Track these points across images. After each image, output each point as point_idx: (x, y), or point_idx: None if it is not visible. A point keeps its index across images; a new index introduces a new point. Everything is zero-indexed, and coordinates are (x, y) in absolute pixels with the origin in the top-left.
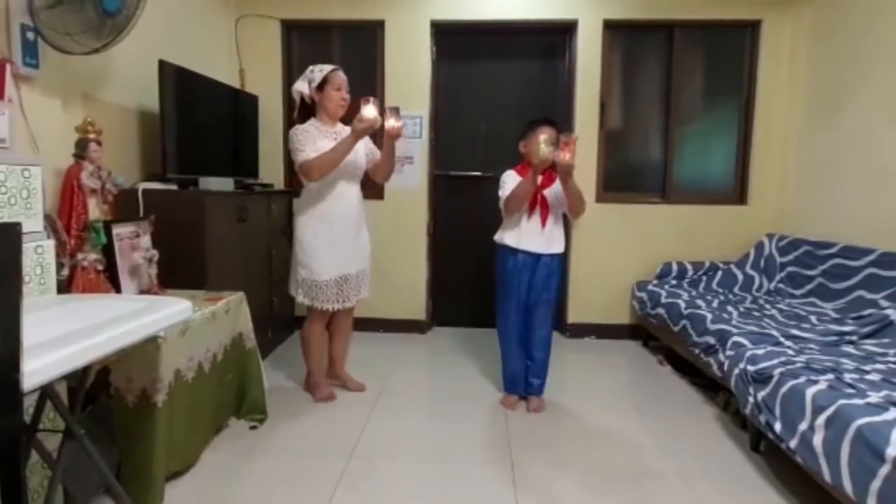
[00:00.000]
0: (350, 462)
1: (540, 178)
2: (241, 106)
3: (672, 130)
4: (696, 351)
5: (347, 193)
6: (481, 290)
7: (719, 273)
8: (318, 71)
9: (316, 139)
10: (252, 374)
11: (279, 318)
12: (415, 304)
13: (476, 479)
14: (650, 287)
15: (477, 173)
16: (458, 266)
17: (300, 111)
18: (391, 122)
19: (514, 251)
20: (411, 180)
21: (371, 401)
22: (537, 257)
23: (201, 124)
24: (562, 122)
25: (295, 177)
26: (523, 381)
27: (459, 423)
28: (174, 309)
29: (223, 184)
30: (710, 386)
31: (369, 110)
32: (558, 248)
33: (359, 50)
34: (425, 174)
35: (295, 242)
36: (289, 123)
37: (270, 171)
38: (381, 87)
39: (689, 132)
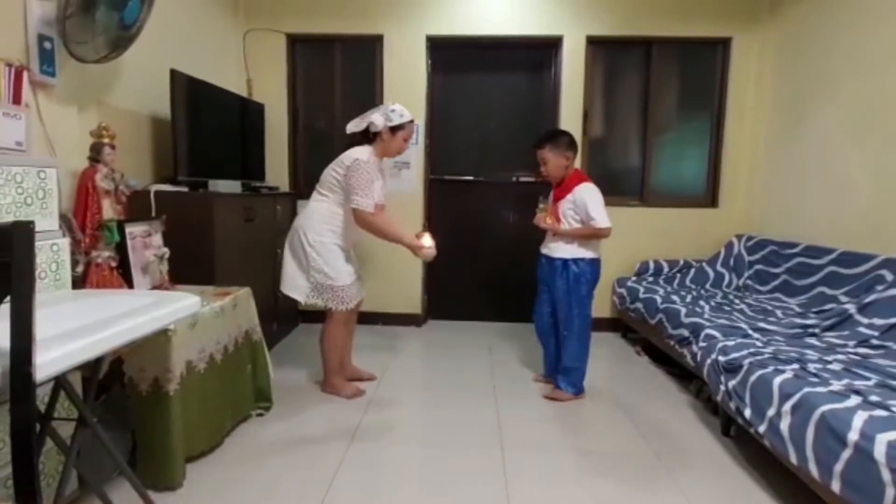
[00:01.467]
0: (350, 447)
1: (552, 196)
2: (248, 113)
3: (650, 139)
4: (672, 342)
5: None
6: (474, 285)
7: (692, 270)
8: (400, 115)
9: (373, 179)
10: (259, 365)
11: (284, 312)
12: (411, 298)
13: (469, 462)
14: (629, 283)
15: (469, 178)
16: (452, 263)
17: (358, 135)
18: (428, 244)
19: (540, 254)
20: (408, 184)
21: (370, 390)
22: (549, 260)
23: (210, 130)
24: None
25: (299, 180)
26: (553, 367)
27: (454, 410)
28: (183, 303)
29: (231, 186)
30: (684, 375)
31: (427, 240)
32: (559, 254)
33: (359, 62)
34: (421, 178)
35: (313, 254)
36: (293, 130)
37: (276, 175)
38: (380, 96)
39: (665, 140)
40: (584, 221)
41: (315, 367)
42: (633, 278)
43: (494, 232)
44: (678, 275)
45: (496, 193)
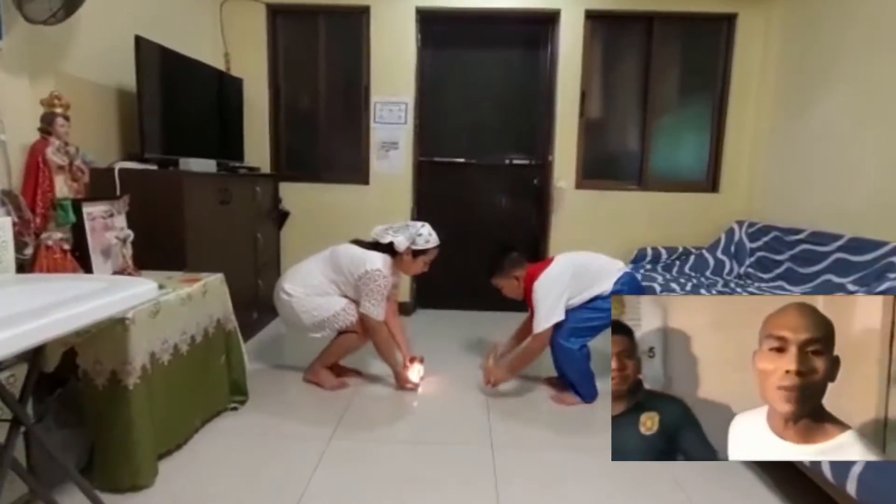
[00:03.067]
0: (331, 443)
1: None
2: (225, 88)
3: (649, 121)
4: None
5: None
6: (464, 273)
7: (692, 258)
8: (426, 241)
9: (388, 290)
10: (233, 356)
11: (265, 300)
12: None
13: (456, 460)
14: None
15: (461, 160)
16: (443, 250)
17: (376, 244)
18: (414, 379)
19: None
20: (396, 166)
21: (354, 383)
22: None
23: (182, 104)
24: (542, 111)
25: (280, 161)
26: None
27: (441, 404)
28: (137, 290)
29: (205, 165)
30: None
31: (415, 373)
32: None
33: (345, 35)
34: (410, 160)
35: (293, 303)
36: (274, 108)
37: (256, 155)
38: (367, 73)
39: (665, 123)
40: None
41: (298, 357)
42: (630, 266)
43: (487, 216)
44: (677, 262)
45: (488, 176)
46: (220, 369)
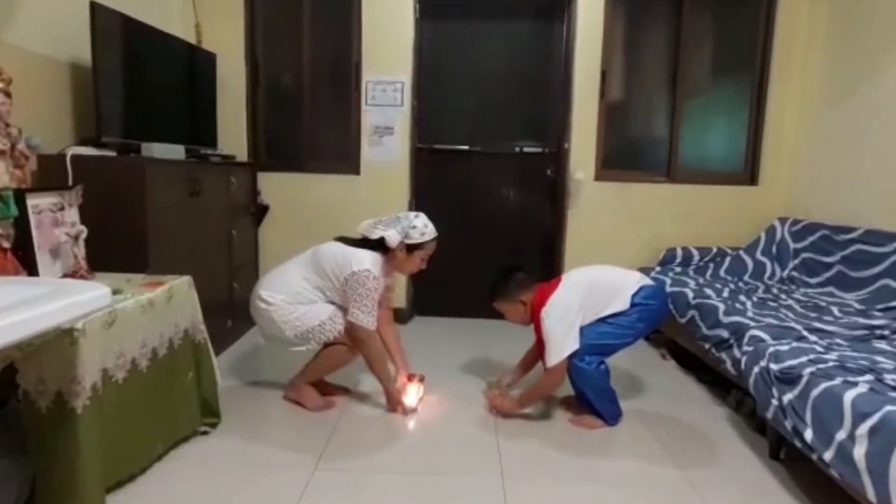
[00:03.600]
0: (315, 473)
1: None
2: (195, 64)
3: (679, 104)
4: (706, 345)
5: None
6: (468, 276)
7: (727, 260)
8: (421, 234)
9: (379, 293)
10: (203, 371)
11: (241, 307)
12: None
13: (460, 492)
14: (653, 275)
15: (464, 147)
16: (444, 249)
17: (364, 241)
18: (410, 403)
19: None
20: (391, 153)
21: (341, 402)
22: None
23: (146, 82)
24: (558, 93)
25: (259, 148)
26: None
27: (443, 426)
28: (89, 295)
29: (171, 151)
30: (719, 383)
31: (413, 395)
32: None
33: (332, 5)
34: (406, 147)
35: (272, 312)
36: (252, 87)
37: (231, 140)
38: (358, 49)
39: (696, 106)
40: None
41: (278, 372)
42: (658, 268)
43: (494, 212)
44: (710, 264)
45: (496, 166)
46: (187, 387)
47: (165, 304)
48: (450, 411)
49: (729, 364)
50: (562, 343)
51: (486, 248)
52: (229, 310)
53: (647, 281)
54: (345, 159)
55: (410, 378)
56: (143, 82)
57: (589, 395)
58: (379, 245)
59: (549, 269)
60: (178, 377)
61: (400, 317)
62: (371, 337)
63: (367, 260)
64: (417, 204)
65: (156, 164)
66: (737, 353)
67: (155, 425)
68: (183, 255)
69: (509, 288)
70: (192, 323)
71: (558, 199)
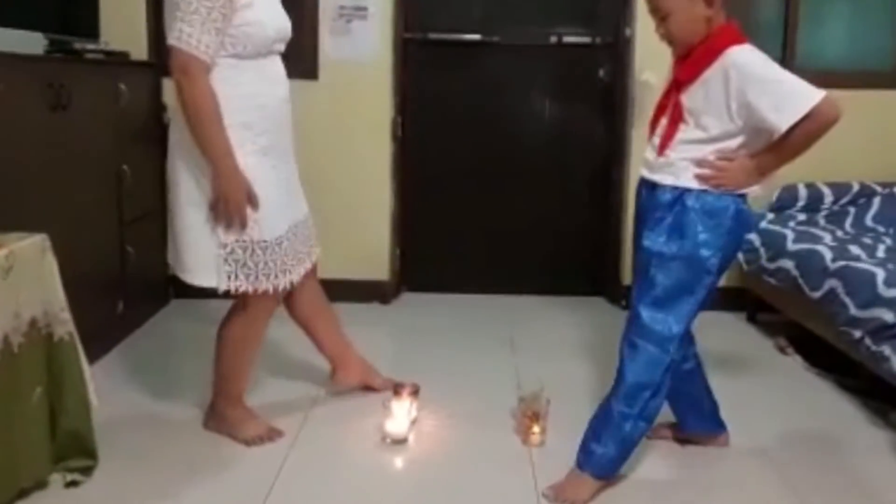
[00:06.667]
0: None
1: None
2: None
3: None
4: (856, 333)
5: (279, 75)
6: (481, 231)
7: (876, 201)
8: None
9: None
10: (66, 387)
11: (138, 281)
12: (373, 255)
13: None
14: (764, 224)
15: (475, 37)
16: (444, 193)
17: None
18: (399, 424)
19: (639, 181)
20: (363, 48)
21: (291, 430)
22: (654, 190)
23: None
24: None
25: (163, 40)
26: (691, 405)
27: (449, 463)
28: None
29: (22, 41)
30: (874, 392)
31: (401, 417)
32: (673, 179)
33: None
34: (388, 38)
35: (185, 182)
36: None
37: (122, 30)
38: None
39: None
40: (759, 125)
41: (200, 380)
42: (771, 215)
43: (519, 135)
44: (851, 208)
45: (522, 66)
46: (32, 412)
47: (2, 279)
48: (460, 443)
49: (894, 362)
50: (802, 82)
51: (506, 193)
52: (119, 287)
53: None
54: (296, 58)
55: (397, 391)
56: None
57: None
58: None
59: (603, 217)
60: (18, 396)
61: (378, 293)
62: (195, 67)
63: None
64: (405, 124)
65: None
66: None
67: None
68: (38, 203)
69: None
70: (44, 309)
71: (616, 114)
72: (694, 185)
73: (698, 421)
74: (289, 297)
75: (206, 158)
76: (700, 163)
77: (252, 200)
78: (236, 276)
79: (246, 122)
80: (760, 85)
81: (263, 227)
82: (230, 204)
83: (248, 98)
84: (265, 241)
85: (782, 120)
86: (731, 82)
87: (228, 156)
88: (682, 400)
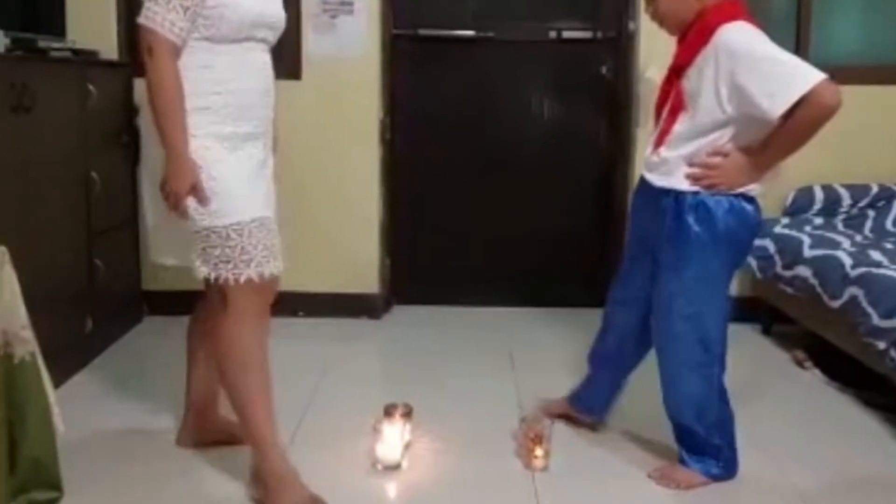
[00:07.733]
0: None
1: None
2: None
3: None
4: (880, 344)
5: (260, 64)
6: (478, 240)
7: None
8: None
9: None
10: (28, 413)
11: (108, 297)
12: (361, 266)
13: None
14: (779, 229)
15: (469, 33)
16: (436, 198)
17: None
18: (392, 449)
19: (639, 182)
20: (349, 44)
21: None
22: (656, 195)
23: None
24: None
25: (136, 39)
26: (601, 402)
27: (447, 497)
28: None
29: None
30: None
31: (393, 440)
32: (669, 181)
33: None
34: (376, 34)
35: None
36: None
37: (90, 28)
38: None
39: None
40: (751, 112)
41: (172, 404)
42: (786, 220)
43: (515, 137)
44: (870, 211)
45: (519, 62)
46: None
47: None
48: (457, 468)
49: None
50: (800, 63)
51: (503, 199)
52: (87, 303)
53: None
54: (277, 56)
55: (389, 413)
56: None
57: (688, 415)
58: None
59: (606, 222)
60: None
61: (369, 307)
62: (156, 55)
63: None
64: (395, 126)
65: None
66: None
67: None
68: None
69: None
70: (3, 328)
71: (620, 113)
72: (685, 186)
73: (594, 404)
74: (200, 313)
75: (161, 139)
76: (692, 161)
77: (198, 191)
78: (207, 264)
79: (208, 107)
80: (750, 64)
81: (226, 212)
82: (170, 188)
83: (217, 83)
84: (238, 224)
85: (775, 106)
86: (721, 64)
87: (180, 140)
88: (601, 383)
